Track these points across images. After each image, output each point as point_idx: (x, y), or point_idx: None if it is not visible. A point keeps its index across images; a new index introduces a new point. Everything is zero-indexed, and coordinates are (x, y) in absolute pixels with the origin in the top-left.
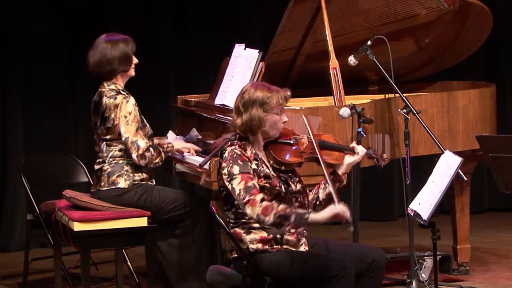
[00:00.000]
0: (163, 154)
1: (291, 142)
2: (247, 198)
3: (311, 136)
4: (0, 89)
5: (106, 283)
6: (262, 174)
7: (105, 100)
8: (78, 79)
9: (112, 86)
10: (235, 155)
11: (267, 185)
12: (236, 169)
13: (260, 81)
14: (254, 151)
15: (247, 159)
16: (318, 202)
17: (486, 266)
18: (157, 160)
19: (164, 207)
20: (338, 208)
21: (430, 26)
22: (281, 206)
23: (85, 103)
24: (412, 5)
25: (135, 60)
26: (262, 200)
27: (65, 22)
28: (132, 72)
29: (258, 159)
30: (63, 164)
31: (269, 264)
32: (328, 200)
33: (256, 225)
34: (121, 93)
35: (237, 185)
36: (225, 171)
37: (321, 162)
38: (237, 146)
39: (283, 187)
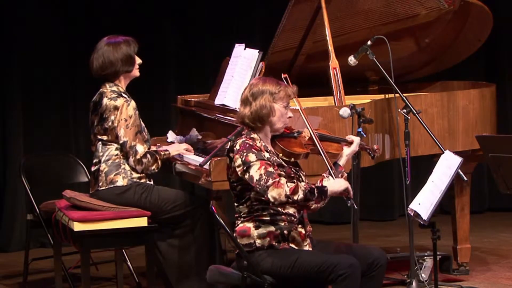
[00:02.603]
0: (159, 162)
1: (295, 135)
2: (270, 181)
3: (310, 128)
4: (0, 89)
5: (106, 283)
6: (275, 164)
7: (105, 101)
8: (78, 79)
9: (114, 88)
10: (247, 145)
11: (282, 173)
12: (252, 157)
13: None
14: (263, 144)
15: (260, 149)
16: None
17: (486, 266)
18: (153, 167)
19: (164, 207)
20: (347, 182)
21: (430, 26)
22: (303, 183)
23: (85, 104)
24: (412, 5)
25: (138, 61)
26: (286, 182)
27: (65, 22)
28: (136, 73)
29: (268, 150)
30: (63, 164)
31: (272, 263)
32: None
33: (266, 219)
34: (122, 96)
35: (256, 171)
36: (239, 162)
37: (322, 152)
38: (247, 138)
39: (296, 175)
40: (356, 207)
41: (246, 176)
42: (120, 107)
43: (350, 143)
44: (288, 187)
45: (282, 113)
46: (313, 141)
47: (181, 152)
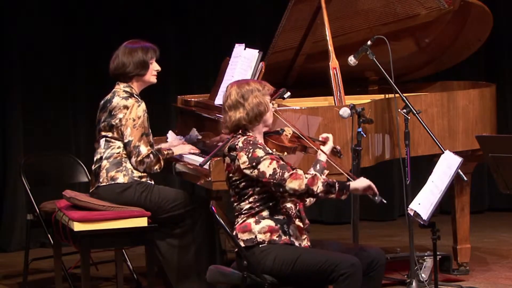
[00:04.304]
0: (162, 162)
1: (280, 132)
2: (287, 174)
3: (290, 125)
4: (0, 89)
5: (106, 283)
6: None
7: (116, 99)
8: (78, 79)
9: (127, 89)
10: (251, 142)
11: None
12: (260, 152)
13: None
14: (259, 141)
15: (263, 144)
16: None
17: (486, 266)
18: (155, 167)
19: (164, 206)
20: (368, 180)
21: (430, 26)
22: (322, 176)
23: (85, 104)
24: (412, 5)
25: (156, 67)
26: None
27: (65, 22)
28: (150, 79)
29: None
30: (63, 164)
31: (273, 261)
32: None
33: (266, 214)
34: (134, 97)
35: (268, 166)
36: (244, 158)
37: (308, 142)
38: (248, 136)
39: (295, 168)
40: (384, 201)
41: (255, 172)
42: (130, 107)
43: (324, 142)
44: (306, 178)
45: (270, 108)
46: (296, 138)
47: (186, 152)
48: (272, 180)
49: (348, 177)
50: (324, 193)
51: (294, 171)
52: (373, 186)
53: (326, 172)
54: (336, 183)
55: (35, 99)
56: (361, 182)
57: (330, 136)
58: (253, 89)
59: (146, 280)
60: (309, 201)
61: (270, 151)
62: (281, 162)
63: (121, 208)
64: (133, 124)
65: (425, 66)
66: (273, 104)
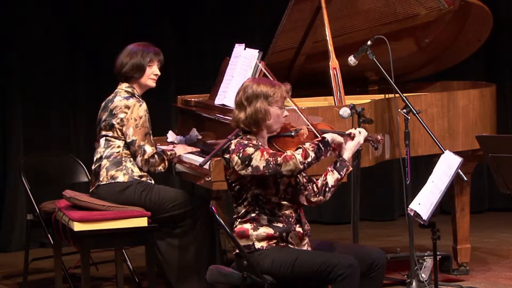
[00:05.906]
0: (166, 162)
1: (292, 134)
2: (279, 158)
3: (310, 124)
4: (0, 89)
5: (106, 283)
6: None
7: (117, 98)
8: (78, 79)
9: (129, 89)
10: (243, 144)
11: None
12: (250, 150)
13: (260, 77)
14: (260, 144)
15: (257, 144)
16: (327, 188)
17: (486, 266)
18: (159, 167)
19: (164, 206)
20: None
21: (430, 26)
22: (307, 144)
23: (85, 104)
24: (412, 5)
25: (155, 72)
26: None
27: (65, 22)
28: (147, 82)
29: None
30: (63, 164)
31: (272, 262)
32: (338, 187)
33: (264, 221)
34: (135, 97)
35: (260, 160)
36: (236, 160)
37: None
38: (243, 138)
39: None
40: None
41: (249, 170)
42: (132, 107)
43: (352, 137)
44: (298, 154)
45: (278, 114)
46: (313, 138)
47: (188, 152)
48: (267, 171)
49: (317, 133)
50: (317, 159)
51: (284, 154)
52: (344, 145)
53: (350, 168)
54: (319, 143)
55: (35, 99)
56: (336, 136)
57: (362, 131)
58: (260, 94)
59: (146, 280)
60: (318, 201)
61: (261, 146)
62: (271, 151)
63: (121, 208)
64: (135, 124)
65: (425, 66)
66: (281, 108)
